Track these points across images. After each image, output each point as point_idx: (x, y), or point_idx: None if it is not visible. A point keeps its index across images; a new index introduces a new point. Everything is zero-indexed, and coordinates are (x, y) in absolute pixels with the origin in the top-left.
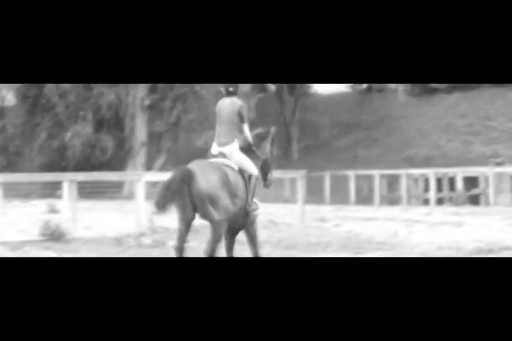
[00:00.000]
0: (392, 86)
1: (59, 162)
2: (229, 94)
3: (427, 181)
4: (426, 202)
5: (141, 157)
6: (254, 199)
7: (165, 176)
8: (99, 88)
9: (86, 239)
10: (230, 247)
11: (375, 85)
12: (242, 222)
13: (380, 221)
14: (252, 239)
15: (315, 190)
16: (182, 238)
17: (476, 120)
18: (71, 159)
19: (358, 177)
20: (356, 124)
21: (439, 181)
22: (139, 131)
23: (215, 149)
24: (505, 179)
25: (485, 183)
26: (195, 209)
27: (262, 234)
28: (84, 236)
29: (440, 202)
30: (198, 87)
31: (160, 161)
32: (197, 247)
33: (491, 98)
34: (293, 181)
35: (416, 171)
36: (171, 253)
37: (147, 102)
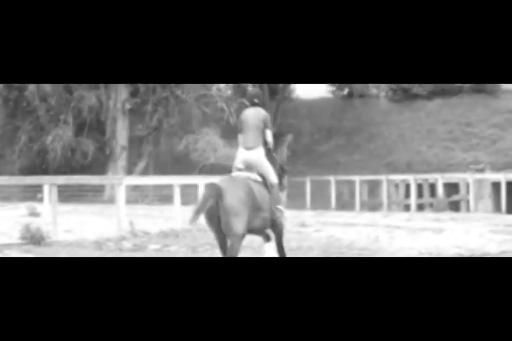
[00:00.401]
0: (374, 92)
1: (40, 165)
2: (253, 104)
3: (407, 187)
4: (407, 207)
5: (122, 161)
6: (279, 206)
7: (145, 180)
8: (80, 91)
9: (66, 243)
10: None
11: (356, 91)
12: (266, 228)
13: (360, 226)
14: (279, 241)
15: (296, 195)
16: (223, 248)
17: (456, 126)
18: (52, 162)
19: (339, 183)
20: (337, 130)
21: (419, 187)
22: (120, 134)
23: (241, 155)
24: (486, 185)
25: (465, 189)
26: (222, 224)
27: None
28: (64, 239)
29: (421, 208)
30: (179, 91)
31: (141, 165)
32: (177, 251)
33: (471, 105)
34: None
35: (397, 177)
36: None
37: (128, 106)
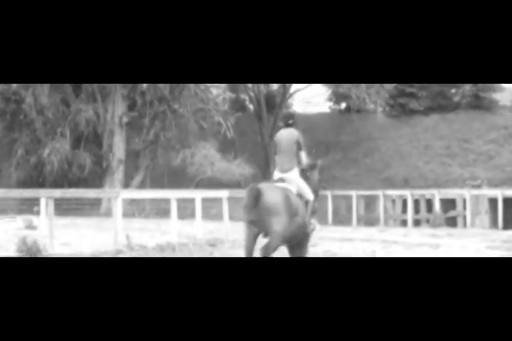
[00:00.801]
0: (371, 107)
1: (37, 178)
2: (287, 126)
3: (404, 202)
4: (403, 223)
5: (118, 174)
6: (312, 221)
7: (142, 194)
8: (77, 104)
9: (63, 256)
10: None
11: (353, 106)
12: (298, 239)
13: (357, 241)
14: (300, 255)
15: None
16: (249, 252)
17: (453, 142)
18: (49, 175)
19: (336, 198)
20: (335, 144)
21: (416, 202)
22: (117, 148)
23: (276, 176)
24: (483, 201)
25: (462, 205)
26: (260, 224)
27: (238, 253)
28: (61, 252)
29: (417, 223)
30: (176, 105)
31: (138, 179)
32: None
33: (468, 120)
34: None
35: (393, 192)
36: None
37: (125, 119)
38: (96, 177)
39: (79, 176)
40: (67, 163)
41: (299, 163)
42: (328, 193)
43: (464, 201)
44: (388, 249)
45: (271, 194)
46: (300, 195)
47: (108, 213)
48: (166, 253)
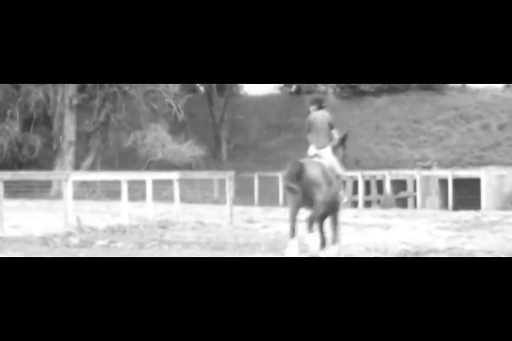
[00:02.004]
0: (322, 88)
1: None
2: (320, 108)
3: (355, 183)
4: (354, 204)
5: (69, 156)
6: (340, 193)
7: (93, 176)
8: (27, 86)
9: (12, 238)
10: (320, 230)
11: (304, 87)
12: (333, 206)
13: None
14: (335, 223)
15: (244, 192)
16: (293, 219)
17: (404, 123)
18: None
19: None
20: (286, 126)
21: (367, 184)
22: (68, 130)
23: (312, 151)
24: (433, 182)
25: (412, 186)
26: (303, 193)
27: (190, 235)
28: (10, 235)
29: (368, 204)
30: (126, 86)
31: (88, 160)
32: (123, 247)
33: (419, 102)
34: (222, 182)
35: (344, 173)
36: (99, 253)
37: (76, 101)
38: (46, 160)
39: (29, 158)
40: (17, 145)
41: (332, 139)
42: (280, 174)
43: (415, 182)
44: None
45: (312, 168)
46: (332, 169)
47: (58, 195)
48: (117, 236)
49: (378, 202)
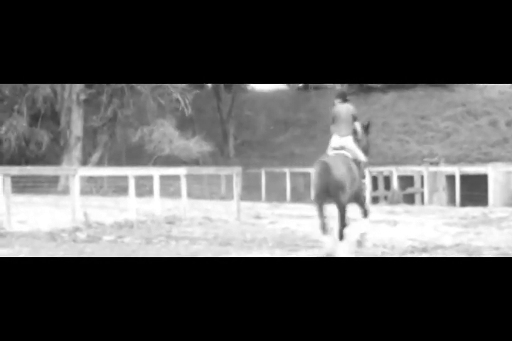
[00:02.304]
0: (329, 84)
1: None
2: (344, 101)
3: None
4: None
5: (76, 151)
6: (363, 180)
7: (100, 171)
8: None
9: (20, 234)
10: (321, 215)
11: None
12: (356, 197)
13: (315, 219)
14: (361, 202)
15: (251, 187)
16: (322, 214)
17: (411, 119)
18: (6, 153)
19: (294, 175)
20: (293, 122)
21: (374, 180)
22: (75, 125)
23: (335, 141)
24: (440, 178)
25: (420, 182)
26: (328, 194)
27: (197, 230)
28: (18, 230)
29: (375, 200)
30: None
31: (96, 156)
32: (131, 243)
33: (426, 98)
34: (229, 178)
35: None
36: (106, 248)
37: (83, 97)
38: (53, 155)
39: (36, 153)
40: (25, 140)
41: (355, 131)
42: (287, 170)
43: (422, 178)
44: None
45: (337, 170)
46: (355, 159)
47: (66, 191)
48: (124, 231)
49: (385, 198)
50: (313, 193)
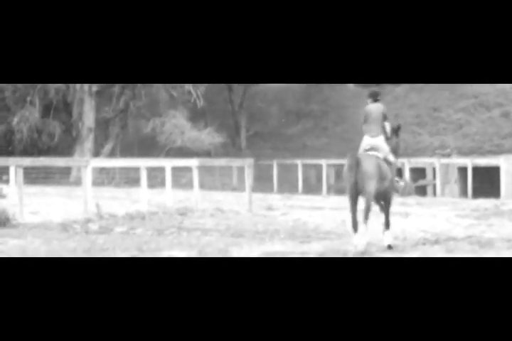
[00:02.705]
0: None
1: (6, 146)
2: (376, 101)
3: None
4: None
5: (88, 143)
6: (396, 178)
7: (112, 162)
8: None
9: (32, 225)
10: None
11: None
12: (384, 197)
13: (327, 210)
14: (387, 210)
15: (263, 179)
16: (354, 211)
17: (423, 111)
18: (18, 144)
19: (306, 166)
20: (305, 113)
21: None
22: (87, 116)
23: (366, 141)
24: (452, 170)
25: (432, 174)
26: (359, 186)
27: (209, 222)
28: (30, 221)
29: None
30: None
31: (107, 147)
32: (142, 234)
33: (438, 89)
34: (241, 169)
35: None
36: (118, 240)
37: (95, 88)
38: (66, 146)
39: (48, 145)
40: (37, 131)
41: (384, 130)
42: (299, 162)
43: (434, 170)
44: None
45: (367, 162)
46: (386, 159)
47: (78, 182)
48: (136, 222)
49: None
50: (346, 188)
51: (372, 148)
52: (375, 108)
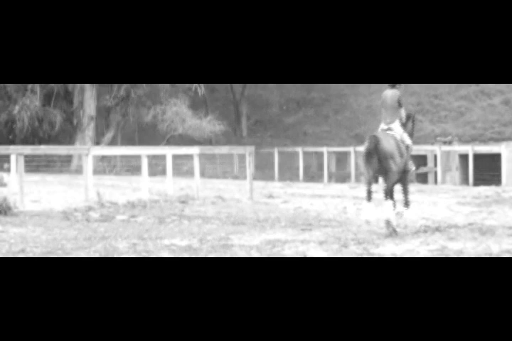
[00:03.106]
0: None
1: (7, 135)
2: (392, 87)
3: None
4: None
5: (89, 131)
6: (410, 161)
7: (113, 151)
8: None
9: (33, 213)
10: (391, 196)
11: None
12: (401, 176)
13: (328, 198)
14: (405, 189)
15: (264, 167)
16: (370, 183)
17: (425, 98)
18: (19, 132)
19: (307, 154)
20: (306, 101)
21: None
22: (88, 105)
23: (383, 126)
24: (453, 157)
25: (433, 161)
26: (379, 163)
27: (210, 210)
28: (31, 209)
29: None
30: None
31: (108, 136)
32: (144, 222)
33: None
34: (242, 157)
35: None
36: (119, 228)
37: None
38: (67, 134)
39: (49, 133)
40: (38, 119)
41: (400, 116)
42: (300, 150)
43: (435, 157)
44: (359, 205)
45: (386, 141)
46: (402, 141)
47: (79, 170)
48: (137, 210)
49: None
50: (363, 162)
51: (389, 129)
52: (390, 94)
